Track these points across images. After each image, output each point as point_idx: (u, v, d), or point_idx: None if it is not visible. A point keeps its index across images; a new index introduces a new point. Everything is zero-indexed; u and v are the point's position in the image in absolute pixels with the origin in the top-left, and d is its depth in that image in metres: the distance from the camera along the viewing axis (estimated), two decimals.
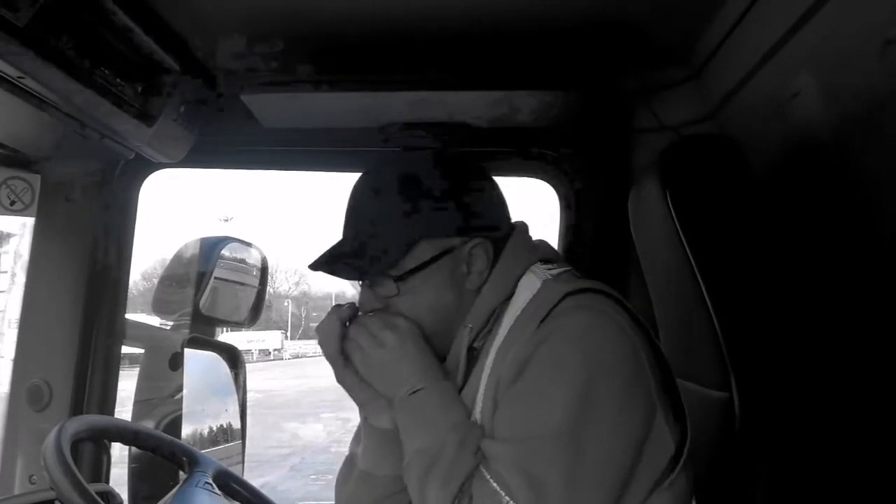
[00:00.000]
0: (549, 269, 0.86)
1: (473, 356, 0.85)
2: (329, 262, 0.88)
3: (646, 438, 0.77)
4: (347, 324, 0.88)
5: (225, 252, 1.68)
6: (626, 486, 0.77)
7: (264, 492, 1.22)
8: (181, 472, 1.15)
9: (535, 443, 0.75)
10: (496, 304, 0.86)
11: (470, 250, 0.86)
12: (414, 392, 0.82)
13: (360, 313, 0.89)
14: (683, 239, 1.02)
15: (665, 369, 0.83)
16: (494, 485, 0.75)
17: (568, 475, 0.74)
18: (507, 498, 0.74)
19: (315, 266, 0.88)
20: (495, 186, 0.91)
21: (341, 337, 0.87)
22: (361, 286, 0.90)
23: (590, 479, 0.74)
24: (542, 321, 0.79)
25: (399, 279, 0.85)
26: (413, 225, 0.85)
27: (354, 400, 0.88)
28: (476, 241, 0.86)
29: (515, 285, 0.86)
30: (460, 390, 0.85)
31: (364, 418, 0.89)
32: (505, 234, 0.89)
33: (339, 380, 0.88)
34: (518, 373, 0.78)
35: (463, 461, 0.78)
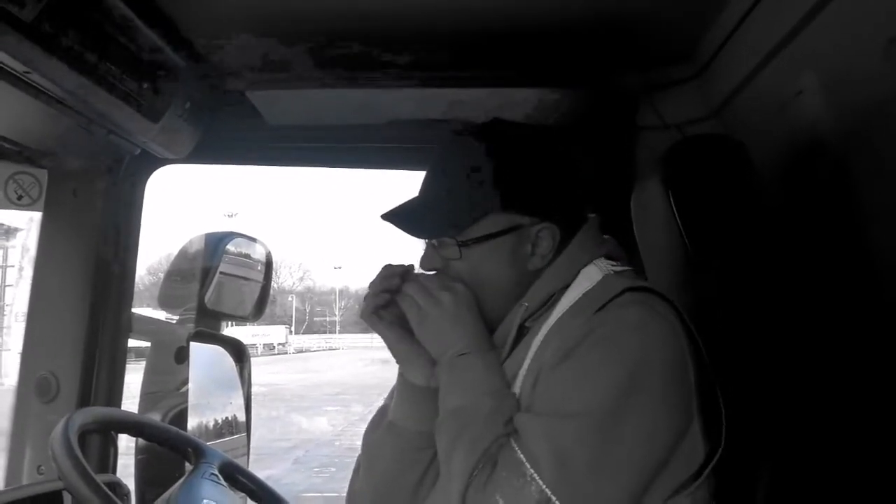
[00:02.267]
0: (613, 265, 0.88)
1: (522, 334, 0.87)
2: (400, 216, 0.90)
3: (677, 443, 0.78)
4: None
5: (230, 247, 1.69)
6: (648, 484, 0.77)
7: (269, 484, 1.23)
8: (187, 464, 1.16)
9: (569, 421, 0.76)
10: (556, 289, 0.87)
11: (537, 232, 0.87)
12: (461, 355, 0.84)
13: (417, 269, 0.90)
14: (686, 238, 1.03)
15: (709, 383, 0.83)
16: (521, 456, 0.75)
17: (595, 457, 0.74)
18: (531, 470, 0.74)
19: (386, 217, 0.90)
20: (580, 175, 0.92)
21: (375, 302, 0.88)
22: (426, 245, 0.92)
23: (616, 467, 0.75)
24: (597, 311, 0.81)
25: (463, 244, 0.87)
26: (489, 195, 0.86)
27: (393, 355, 0.90)
28: (545, 224, 0.87)
29: (577, 274, 0.87)
30: (503, 364, 0.86)
31: (400, 373, 0.90)
32: (576, 223, 0.90)
33: (381, 335, 0.89)
34: (565, 355, 0.79)
35: (493, 427, 0.79)
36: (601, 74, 1.21)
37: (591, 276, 0.86)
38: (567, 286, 0.87)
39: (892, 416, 0.93)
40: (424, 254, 0.91)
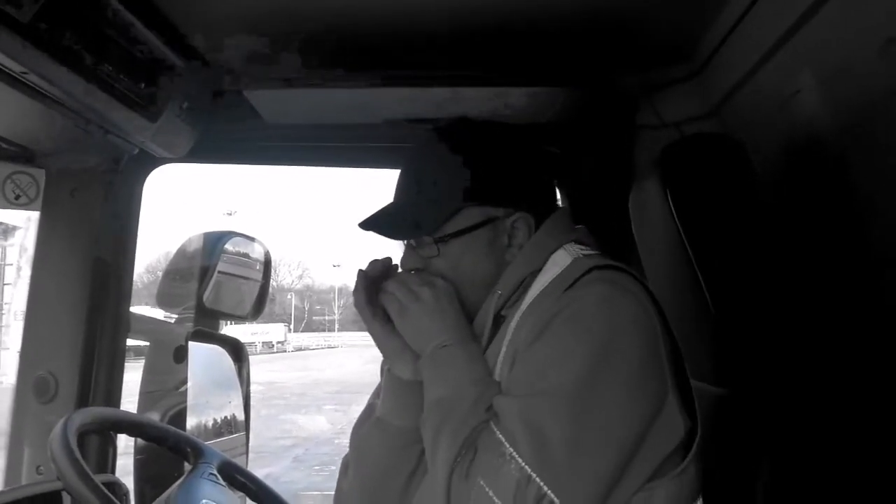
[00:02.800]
0: (583, 249, 0.89)
1: (498, 323, 0.87)
2: (376, 222, 0.91)
3: (656, 415, 0.78)
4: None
5: (228, 246, 1.69)
6: (629, 460, 0.77)
7: (268, 483, 1.23)
8: (186, 464, 1.16)
9: (543, 398, 0.76)
10: (526, 274, 0.88)
11: (512, 223, 0.88)
12: (442, 347, 0.84)
13: (399, 270, 0.92)
14: (684, 237, 1.03)
15: (679, 362, 0.84)
16: (500, 436, 0.76)
17: (572, 433, 0.74)
18: (510, 449, 0.75)
19: (363, 225, 0.91)
20: (547, 165, 0.94)
21: (367, 289, 0.90)
22: (405, 245, 0.93)
23: (594, 441, 0.75)
24: (566, 290, 0.81)
25: (440, 241, 0.88)
26: (459, 191, 0.87)
27: (381, 349, 0.91)
28: (519, 214, 0.88)
29: (547, 259, 0.88)
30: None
31: (387, 369, 0.91)
32: (549, 211, 0.91)
33: (369, 329, 0.91)
34: (537, 335, 0.80)
35: (475, 415, 0.79)
36: (600, 73, 1.21)
37: (559, 260, 0.87)
38: (537, 271, 0.87)
39: (891, 414, 0.93)
40: (404, 255, 0.93)
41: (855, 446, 0.99)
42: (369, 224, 0.91)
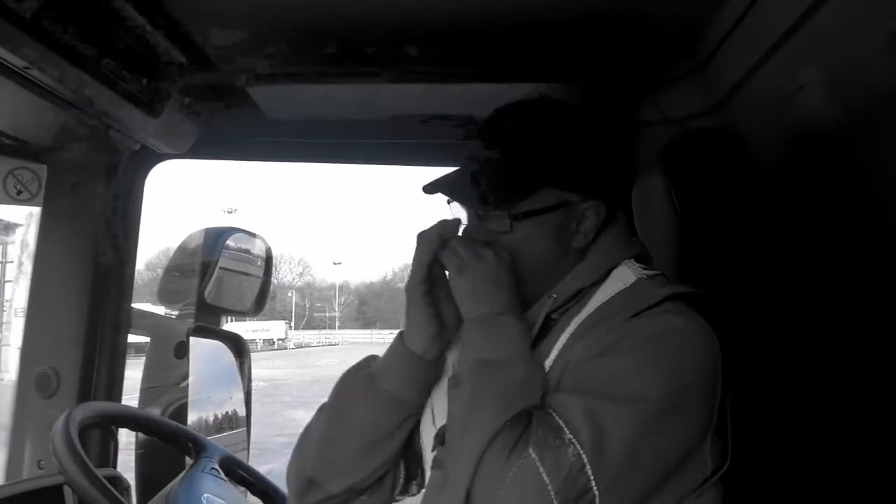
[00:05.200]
0: (644, 268, 0.88)
1: (548, 326, 0.86)
2: (450, 186, 0.88)
3: (695, 450, 0.79)
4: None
5: (230, 242, 1.69)
6: (665, 483, 0.78)
7: (269, 478, 1.23)
8: (187, 458, 1.17)
9: (611, 401, 0.75)
10: (586, 284, 0.87)
11: (584, 210, 0.87)
12: (497, 315, 0.83)
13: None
14: (687, 233, 1.02)
15: (726, 390, 0.83)
16: (560, 422, 0.74)
17: (631, 441, 0.75)
18: (569, 435, 0.73)
19: (430, 187, 0.88)
20: (628, 159, 0.93)
21: (433, 250, 0.85)
22: (470, 216, 0.90)
23: (647, 455, 0.76)
24: (635, 315, 0.81)
25: (515, 218, 0.86)
26: (542, 170, 0.86)
27: (408, 315, 0.87)
28: (592, 202, 0.87)
29: (608, 273, 0.87)
30: None
31: (400, 334, 0.89)
32: (619, 203, 0.90)
33: (410, 290, 0.87)
34: (604, 351, 0.79)
35: (529, 393, 0.78)
36: (603, 69, 1.20)
37: (623, 277, 0.87)
38: (596, 284, 0.87)
39: (892, 415, 0.93)
40: (468, 226, 0.90)
41: (856, 450, 0.98)
42: (442, 187, 0.88)
